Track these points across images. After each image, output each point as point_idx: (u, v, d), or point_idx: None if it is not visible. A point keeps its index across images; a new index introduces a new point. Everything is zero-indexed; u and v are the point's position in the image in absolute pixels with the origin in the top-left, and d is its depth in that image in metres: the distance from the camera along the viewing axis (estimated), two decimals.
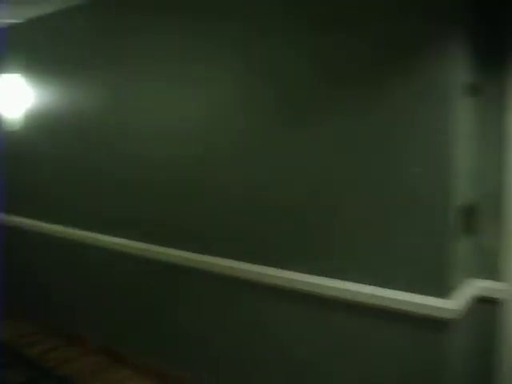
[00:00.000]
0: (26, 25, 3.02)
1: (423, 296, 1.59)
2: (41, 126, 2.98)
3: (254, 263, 2.00)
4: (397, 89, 1.58)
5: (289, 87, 1.83)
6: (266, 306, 2.01)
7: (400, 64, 1.56)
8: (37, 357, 2.73)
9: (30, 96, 3.02)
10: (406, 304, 1.61)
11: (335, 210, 1.76)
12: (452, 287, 1.57)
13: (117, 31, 2.47)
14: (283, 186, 1.89)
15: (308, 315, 1.88)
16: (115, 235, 2.59)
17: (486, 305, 1.73)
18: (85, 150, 2.72)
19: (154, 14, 2.27)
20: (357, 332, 1.76)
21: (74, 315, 2.96)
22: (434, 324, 1.58)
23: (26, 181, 3.17)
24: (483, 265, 1.73)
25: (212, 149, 2.12)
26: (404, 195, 1.60)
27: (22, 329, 3.09)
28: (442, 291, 1.56)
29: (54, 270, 3.03)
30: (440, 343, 1.59)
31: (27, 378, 2.51)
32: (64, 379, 2.51)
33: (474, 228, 1.71)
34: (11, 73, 3.07)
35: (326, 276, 1.79)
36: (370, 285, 1.70)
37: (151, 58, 2.32)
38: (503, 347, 1.74)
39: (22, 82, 3.03)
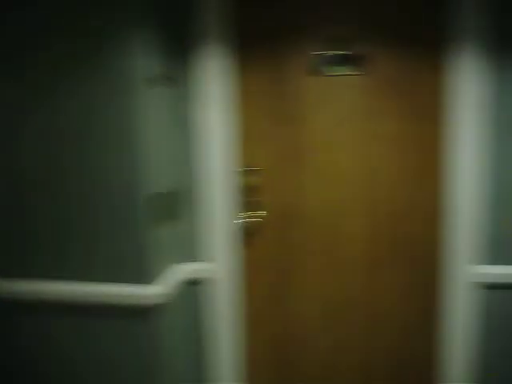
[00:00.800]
0: None
1: (127, 285, 1.56)
2: None
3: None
4: (87, 80, 1.49)
5: None
6: None
7: (91, 54, 1.47)
8: None
9: None
10: (113, 296, 1.57)
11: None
12: (155, 274, 1.58)
13: None
14: None
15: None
16: None
17: (193, 286, 1.81)
18: None
19: None
20: (74, 330, 1.65)
21: None
22: (142, 312, 1.57)
23: None
24: (186, 248, 1.80)
25: None
26: (98, 189, 1.54)
27: None
28: (145, 279, 1.56)
29: None
30: (150, 330, 1.59)
31: None
32: None
33: (174, 214, 1.77)
34: None
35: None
36: (73, 281, 1.61)
37: None
38: (208, 324, 1.84)
39: None
